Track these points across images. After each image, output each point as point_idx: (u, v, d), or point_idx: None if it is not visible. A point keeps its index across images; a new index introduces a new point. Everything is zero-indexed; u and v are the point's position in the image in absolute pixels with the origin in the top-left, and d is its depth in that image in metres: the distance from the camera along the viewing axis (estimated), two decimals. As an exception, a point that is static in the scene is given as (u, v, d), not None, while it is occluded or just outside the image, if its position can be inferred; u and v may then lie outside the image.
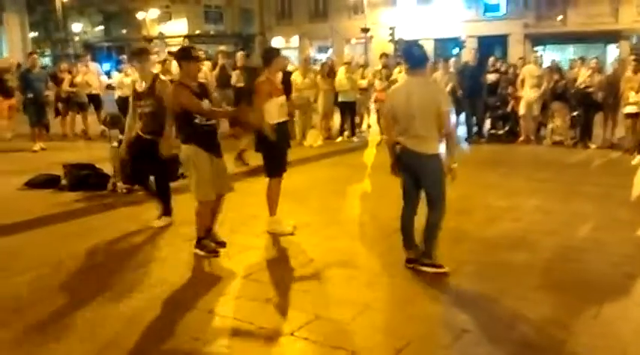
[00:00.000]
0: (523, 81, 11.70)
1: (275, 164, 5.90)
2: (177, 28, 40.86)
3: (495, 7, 31.01)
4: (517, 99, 11.93)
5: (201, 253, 5.27)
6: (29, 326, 3.96)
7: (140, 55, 6.40)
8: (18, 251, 5.57)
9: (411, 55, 4.85)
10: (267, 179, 5.97)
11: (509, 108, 12.27)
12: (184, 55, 5.37)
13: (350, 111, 12.75)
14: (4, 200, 7.43)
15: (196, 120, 5.16)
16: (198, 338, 3.73)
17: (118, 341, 3.75)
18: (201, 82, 5.65)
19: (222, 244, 5.47)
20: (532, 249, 5.40)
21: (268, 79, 5.82)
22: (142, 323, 3.99)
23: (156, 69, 12.65)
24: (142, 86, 6.19)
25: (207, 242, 5.35)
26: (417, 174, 4.78)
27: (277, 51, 6.30)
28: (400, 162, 4.86)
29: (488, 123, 12.72)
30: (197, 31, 40.74)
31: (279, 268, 5.07)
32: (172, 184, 6.43)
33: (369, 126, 14.25)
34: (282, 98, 5.95)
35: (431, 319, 4.02)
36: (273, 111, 5.75)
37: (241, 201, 7.24)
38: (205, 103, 5.25)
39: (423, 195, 4.87)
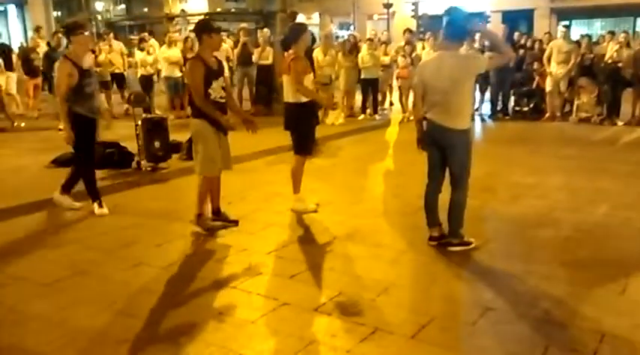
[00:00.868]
0: (549, 56, 11.46)
1: (305, 142, 5.89)
2: (198, 5, 40.70)
3: (521, -19, 30.32)
4: (543, 76, 11.72)
5: (198, 229, 5.29)
6: (58, 298, 4.05)
7: (75, 29, 5.96)
8: (46, 227, 5.69)
9: (456, 25, 4.60)
10: (294, 156, 5.96)
11: (534, 85, 12.08)
12: (205, 28, 5.25)
13: (372, 88, 12.66)
14: (31, 177, 7.57)
15: (210, 96, 5.12)
16: (222, 312, 3.78)
17: (141, 313, 3.82)
18: (218, 59, 5.58)
19: (235, 222, 5.50)
20: (557, 226, 5.34)
21: (298, 55, 5.72)
22: (165, 298, 4.06)
23: (178, 47, 12.79)
24: (84, 63, 5.90)
25: (207, 219, 5.36)
26: (444, 150, 4.70)
27: (304, 27, 6.10)
28: (428, 138, 4.77)
29: (512, 101, 12.53)
30: (218, 9, 40.57)
31: (303, 245, 5.09)
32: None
33: (391, 104, 14.15)
34: (311, 75, 5.92)
35: (455, 296, 4.02)
36: (309, 87, 5.74)
37: (263, 178, 7.29)
38: (220, 81, 5.22)
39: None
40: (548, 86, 11.51)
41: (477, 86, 12.46)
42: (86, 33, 6.15)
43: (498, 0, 29.67)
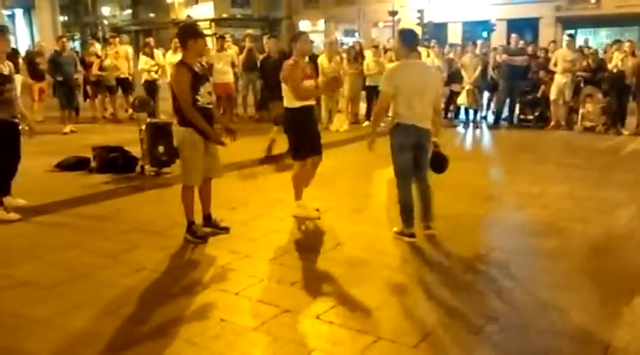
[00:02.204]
0: (555, 64, 11.45)
1: (298, 146, 5.85)
2: (204, 11, 40.87)
3: (526, -10, 30.33)
4: (548, 84, 11.70)
5: (190, 238, 5.24)
6: (59, 302, 4.03)
7: None
8: (48, 231, 5.67)
9: (409, 36, 5.23)
10: (293, 162, 5.96)
11: (539, 93, 12.05)
12: (191, 33, 5.16)
13: (377, 95, 12.61)
14: (35, 181, 7.56)
15: (198, 102, 5.03)
16: (223, 319, 3.76)
17: (143, 318, 3.81)
18: (202, 64, 5.50)
19: (226, 229, 5.46)
20: (561, 236, 5.31)
21: (296, 61, 5.72)
22: (166, 303, 4.03)
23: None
24: (5, 68, 6.04)
25: (197, 227, 5.32)
26: (417, 151, 5.08)
27: (300, 34, 6.16)
28: (405, 143, 5.05)
29: (517, 109, 12.51)
30: (224, 15, 40.72)
31: (305, 252, 5.07)
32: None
33: (395, 111, 14.12)
34: (309, 82, 5.81)
35: (458, 305, 3.98)
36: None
37: (266, 184, 7.29)
38: (207, 87, 5.16)
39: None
40: (553, 95, 11.49)
41: (485, 93, 12.49)
42: (8, 36, 6.36)
43: (504, 9, 29.74)
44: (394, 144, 5.11)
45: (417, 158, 5.13)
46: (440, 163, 5.33)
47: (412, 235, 5.14)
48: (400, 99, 4.98)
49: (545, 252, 4.96)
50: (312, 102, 5.94)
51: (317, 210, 5.97)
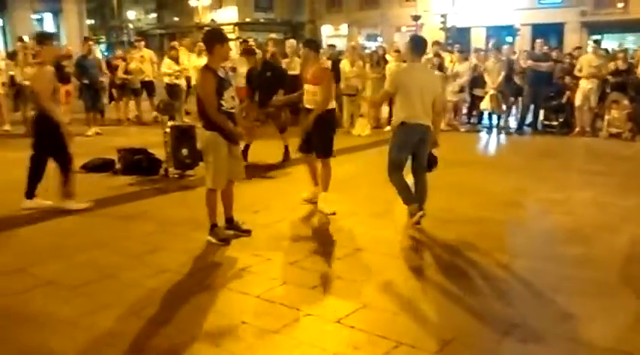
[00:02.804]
0: (580, 70, 11.31)
1: (300, 141, 6.50)
2: (228, 15, 41.14)
3: (551, -5, 30.08)
4: (573, 90, 11.56)
5: (213, 240, 5.28)
6: (85, 302, 4.10)
7: (46, 39, 6.51)
8: (74, 232, 5.77)
9: (419, 43, 5.66)
10: None
11: (564, 99, 11.91)
12: (219, 38, 5.23)
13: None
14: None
15: (222, 107, 5.08)
16: (245, 322, 3.79)
17: (167, 318, 3.86)
18: (225, 68, 5.69)
19: (248, 232, 5.49)
20: (585, 243, 5.25)
21: (304, 67, 6.38)
22: (190, 304, 4.08)
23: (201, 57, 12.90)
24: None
25: (220, 230, 5.36)
26: (418, 146, 5.49)
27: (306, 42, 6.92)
28: (409, 140, 5.44)
29: (541, 115, 12.39)
30: (247, 19, 40.96)
31: (326, 256, 5.09)
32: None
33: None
34: (310, 87, 6.30)
35: (479, 312, 3.96)
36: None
37: (289, 187, 7.31)
38: (230, 91, 5.21)
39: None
40: (578, 100, 11.35)
41: (509, 98, 12.38)
42: (54, 43, 6.69)
43: (528, 13, 29.48)
44: (396, 141, 5.54)
45: (416, 152, 5.56)
46: (430, 163, 5.66)
47: (420, 208, 5.56)
48: (403, 99, 5.41)
49: (570, 259, 4.91)
50: (309, 106, 6.31)
51: (334, 213, 6.14)
